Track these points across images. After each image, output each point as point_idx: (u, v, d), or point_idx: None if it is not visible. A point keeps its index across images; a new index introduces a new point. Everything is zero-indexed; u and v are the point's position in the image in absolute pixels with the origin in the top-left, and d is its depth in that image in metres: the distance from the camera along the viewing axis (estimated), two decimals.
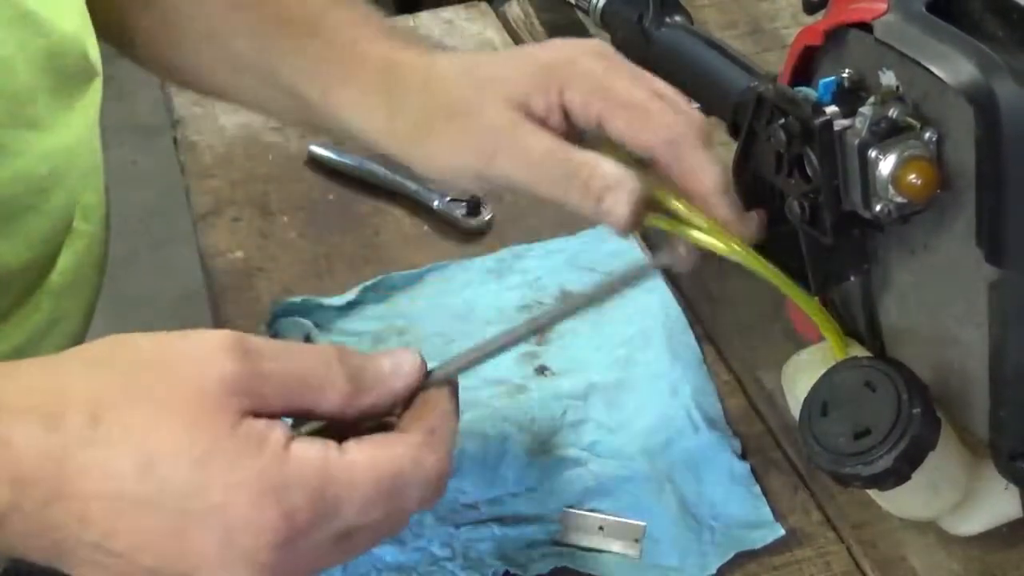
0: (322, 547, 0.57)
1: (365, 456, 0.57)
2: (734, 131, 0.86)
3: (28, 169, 0.79)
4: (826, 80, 0.69)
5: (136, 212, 2.03)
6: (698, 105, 1.03)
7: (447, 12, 1.29)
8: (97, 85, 0.85)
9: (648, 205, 0.72)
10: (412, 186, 1.08)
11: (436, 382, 0.62)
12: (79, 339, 0.87)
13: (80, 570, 0.58)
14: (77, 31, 0.81)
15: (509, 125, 0.74)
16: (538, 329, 0.68)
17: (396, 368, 0.61)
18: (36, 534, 0.56)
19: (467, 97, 0.76)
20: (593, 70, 0.74)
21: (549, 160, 0.72)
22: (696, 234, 0.72)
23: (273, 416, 0.57)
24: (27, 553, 0.57)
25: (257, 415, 0.56)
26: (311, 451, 0.56)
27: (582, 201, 0.72)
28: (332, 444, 0.57)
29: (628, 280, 0.71)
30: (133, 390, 0.56)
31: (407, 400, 0.61)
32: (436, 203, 1.07)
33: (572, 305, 0.70)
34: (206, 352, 0.56)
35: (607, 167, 0.71)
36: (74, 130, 0.83)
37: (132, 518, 0.55)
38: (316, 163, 1.12)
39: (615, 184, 0.71)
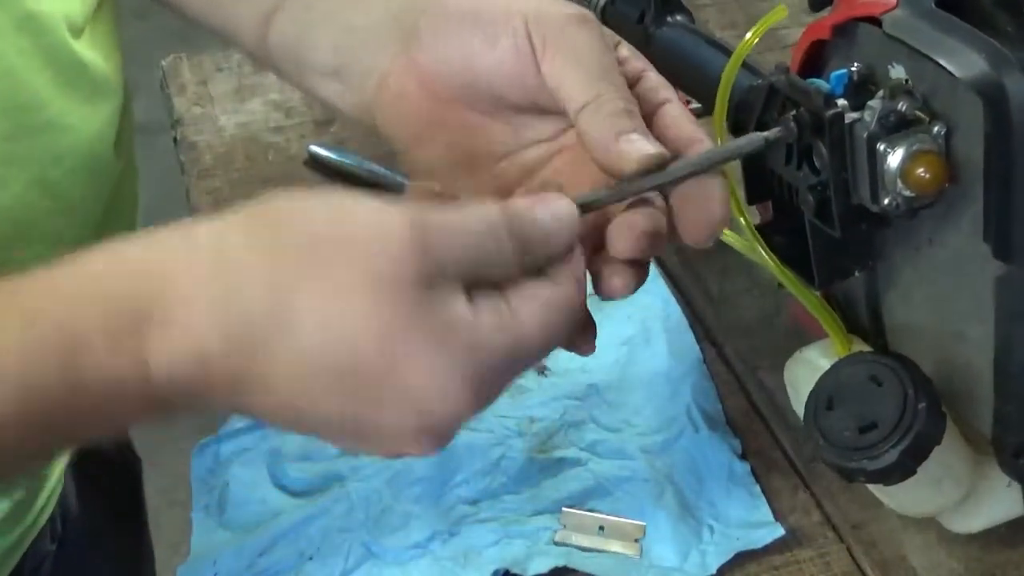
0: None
1: (536, 318, 0.59)
2: (736, 129, 0.86)
3: (45, 173, 0.78)
4: (838, 72, 0.68)
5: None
6: (698, 105, 1.03)
7: None
8: (109, 74, 0.83)
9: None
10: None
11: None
12: None
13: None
14: (73, 16, 0.79)
15: None
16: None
17: (557, 227, 0.61)
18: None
19: None
20: None
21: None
22: None
23: None
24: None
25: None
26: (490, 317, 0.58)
27: None
28: (504, 306, 0.59)
29: (740, 151, 0.69)
30: (309, 273, 0.57)
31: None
32: None
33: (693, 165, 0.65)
34: (382, 240, 0.57)
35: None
36: (94, 126, 0.81)
37: (322, 397, 0.57)
38: (316, 163, 1.12)
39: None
